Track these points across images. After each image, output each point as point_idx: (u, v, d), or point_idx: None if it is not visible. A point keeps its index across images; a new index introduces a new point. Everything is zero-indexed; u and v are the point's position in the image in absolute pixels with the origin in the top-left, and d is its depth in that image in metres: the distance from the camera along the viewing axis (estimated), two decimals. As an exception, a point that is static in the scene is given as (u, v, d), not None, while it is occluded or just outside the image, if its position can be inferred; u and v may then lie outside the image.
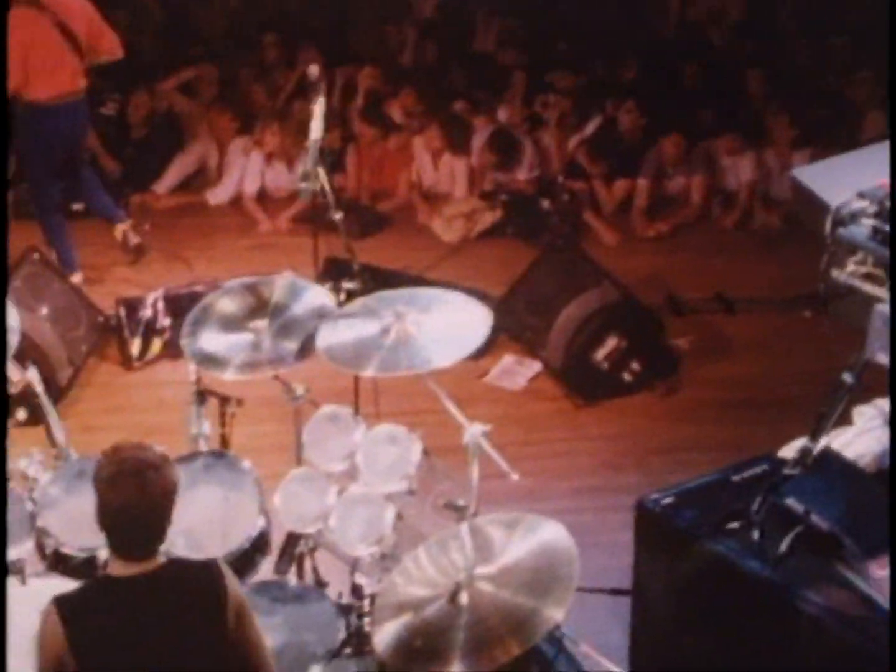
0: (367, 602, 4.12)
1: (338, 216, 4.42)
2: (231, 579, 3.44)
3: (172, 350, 7.13)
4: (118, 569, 3.37)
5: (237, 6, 10.27)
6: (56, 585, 3.95)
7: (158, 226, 8.27)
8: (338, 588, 4.35)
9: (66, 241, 7.58)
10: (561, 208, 8.48)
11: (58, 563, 4.15)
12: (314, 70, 7.34)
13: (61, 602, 3.35)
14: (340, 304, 4.41)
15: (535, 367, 7.00)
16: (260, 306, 4.36)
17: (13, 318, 4.23)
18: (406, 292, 4.41)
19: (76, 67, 7.16)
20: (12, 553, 4.11)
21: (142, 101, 8.91)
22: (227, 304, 4.37)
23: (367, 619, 4.09)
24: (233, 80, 9.39)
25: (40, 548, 4.20)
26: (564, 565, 3.60)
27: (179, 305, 7.22)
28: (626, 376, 6.81)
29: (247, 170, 8.81)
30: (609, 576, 4.83)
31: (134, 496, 3.30)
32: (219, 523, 4.08)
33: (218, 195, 8.92)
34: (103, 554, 4.12)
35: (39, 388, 4.23)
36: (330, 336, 4.18)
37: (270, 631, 3.84)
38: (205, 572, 3.45)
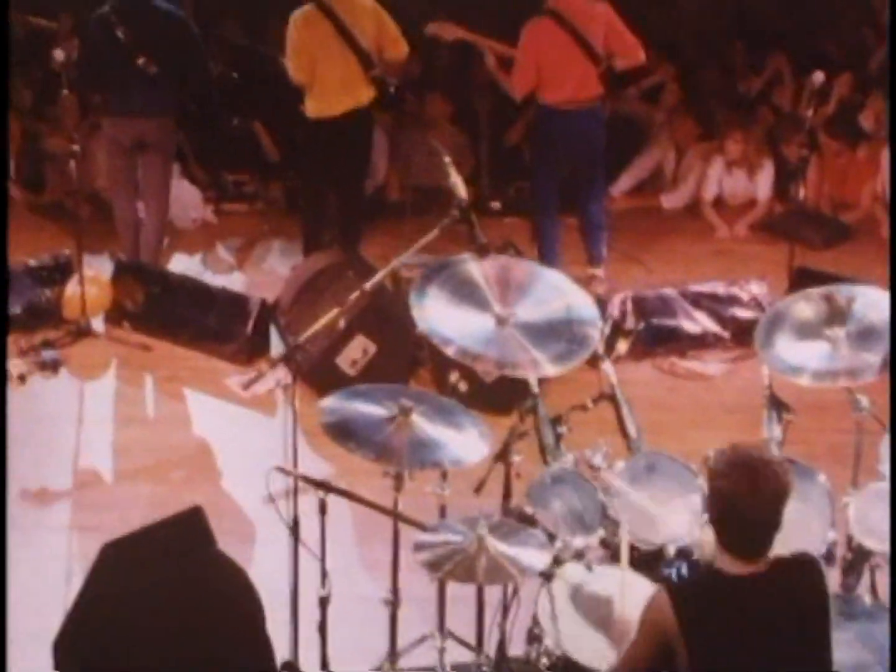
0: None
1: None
2: (827, 577, 3.44)
3: (638, 350, 7.18)
4: (727, 565, 3.41)
5: (698, 9, 10.22)
6: (621, 574, 4.04)
7: (614, 227, 8.34)
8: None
9: (552, 242, 7.71)
10: None
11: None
12: (819, 77, 7.27)
13: (672, 588, 3.47)
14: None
15: None
16: (837, 313, 4.29)
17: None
18: None
19: (588, 75, 7.23)
20: (580, 541, 4.22)
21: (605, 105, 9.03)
22: (802, 310, 4.33)
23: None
24: (696, 86, 9.37)
25: (603, 538, 4.28)
26: None
27: (647, 307, 7.27)
28: None
29: (706, 176, 8.78)
30: None
31: (745, 489, 3.32)
32: (785, 532, 4.01)
33: (673, 199, 8.94)
34: (671, 550, 4.18)
35: (614, 378, 4.30)
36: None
37: (838, 645, 3.76)
38: (809, 573, 3.46)
